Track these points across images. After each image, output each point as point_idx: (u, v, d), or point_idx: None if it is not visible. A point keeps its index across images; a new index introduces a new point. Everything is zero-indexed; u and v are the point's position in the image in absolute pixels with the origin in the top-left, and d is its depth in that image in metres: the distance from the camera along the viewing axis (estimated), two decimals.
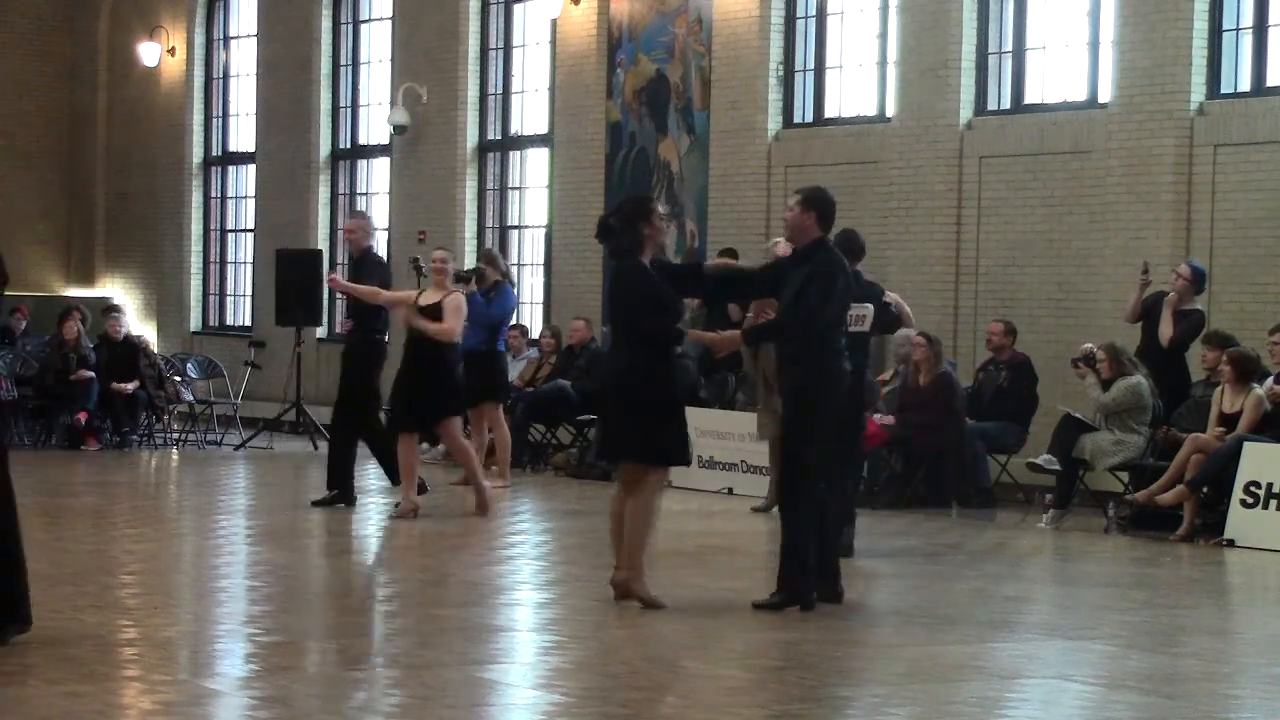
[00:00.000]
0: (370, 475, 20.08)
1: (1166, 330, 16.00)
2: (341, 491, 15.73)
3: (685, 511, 16.80)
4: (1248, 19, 16.98)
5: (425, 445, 21.21)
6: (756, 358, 15.54)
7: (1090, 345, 16.06)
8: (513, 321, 19.91)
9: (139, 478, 18.51)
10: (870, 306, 12.85)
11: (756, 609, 10.69)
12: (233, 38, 28.22)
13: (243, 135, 28.07)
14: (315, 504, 15.63)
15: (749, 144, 20.59)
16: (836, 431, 11.04)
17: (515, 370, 20.39)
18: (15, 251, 19.86)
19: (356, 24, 26.14)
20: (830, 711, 8.37)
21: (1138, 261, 16.47)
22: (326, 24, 26.16)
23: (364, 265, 16.02)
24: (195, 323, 28.36)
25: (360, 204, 26.20)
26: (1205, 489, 15.02)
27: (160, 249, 28.85)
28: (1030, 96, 18.59)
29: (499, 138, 24.17)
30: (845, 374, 11.04)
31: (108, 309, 24.31)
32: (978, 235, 18.42)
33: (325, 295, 23.71)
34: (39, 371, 22.58)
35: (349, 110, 26.25)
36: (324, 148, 26.26)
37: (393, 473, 15.64)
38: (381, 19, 25.62)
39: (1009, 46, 18.67)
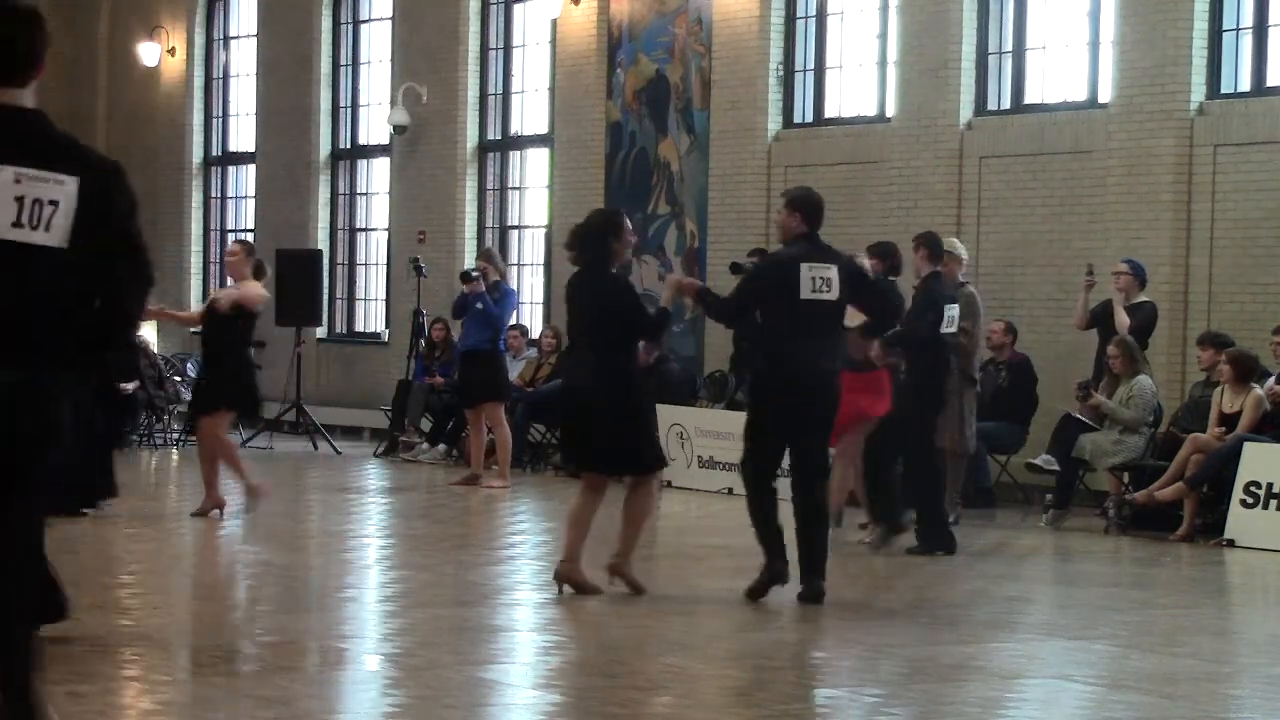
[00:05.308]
0: (370, 475, 20.07)
1: (1123, 320, 16.06)
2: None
3: (685, 511, 16.81)
4: (1248, 19, 16.98)
5: (425, 445, 21.24)
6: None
7: (1079, 380, 16.12)
8: (512, 321, 19.91)
9: (139, 478, 18.47)
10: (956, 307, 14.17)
11: (802, 600, 10.96)
12: (233, 38, 28.20)
13: (243, 135, 28.06)
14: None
15: (749, 144, 20.58)
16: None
17: (515, 370, 20.39)
18: None
19: (356, 24, 26.13)
20: (830, 711, 8.37)
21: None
22: (326, 24, 26.15)
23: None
24: None
25: (360, 204, 26.21)
26: (1205, 488, 15.03)
27: (160, 249, 28.80)
28: (1030, 96, 18.58)
29: (499, 138, 24.16)
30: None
31: None
32: (978, 235, 18.41)
33: (325, 297, 23.73)
34: None
35: (349, 110, 26.24)
36: (324, 148, 26.25)
37: None
38: (381, 19, 25.61)
39: (1009, 46, 18.66)
